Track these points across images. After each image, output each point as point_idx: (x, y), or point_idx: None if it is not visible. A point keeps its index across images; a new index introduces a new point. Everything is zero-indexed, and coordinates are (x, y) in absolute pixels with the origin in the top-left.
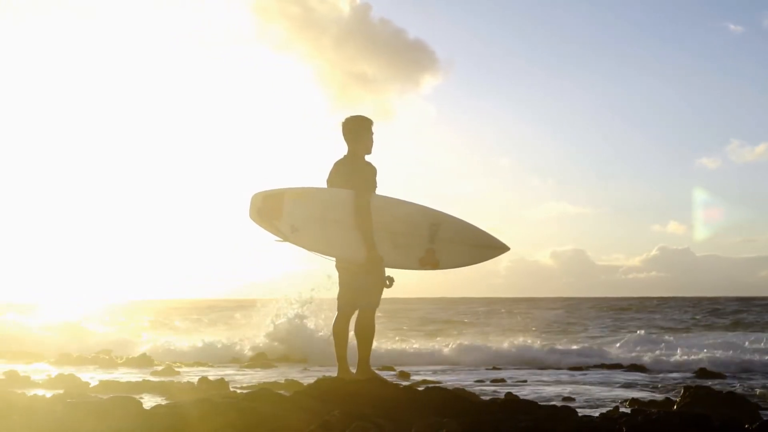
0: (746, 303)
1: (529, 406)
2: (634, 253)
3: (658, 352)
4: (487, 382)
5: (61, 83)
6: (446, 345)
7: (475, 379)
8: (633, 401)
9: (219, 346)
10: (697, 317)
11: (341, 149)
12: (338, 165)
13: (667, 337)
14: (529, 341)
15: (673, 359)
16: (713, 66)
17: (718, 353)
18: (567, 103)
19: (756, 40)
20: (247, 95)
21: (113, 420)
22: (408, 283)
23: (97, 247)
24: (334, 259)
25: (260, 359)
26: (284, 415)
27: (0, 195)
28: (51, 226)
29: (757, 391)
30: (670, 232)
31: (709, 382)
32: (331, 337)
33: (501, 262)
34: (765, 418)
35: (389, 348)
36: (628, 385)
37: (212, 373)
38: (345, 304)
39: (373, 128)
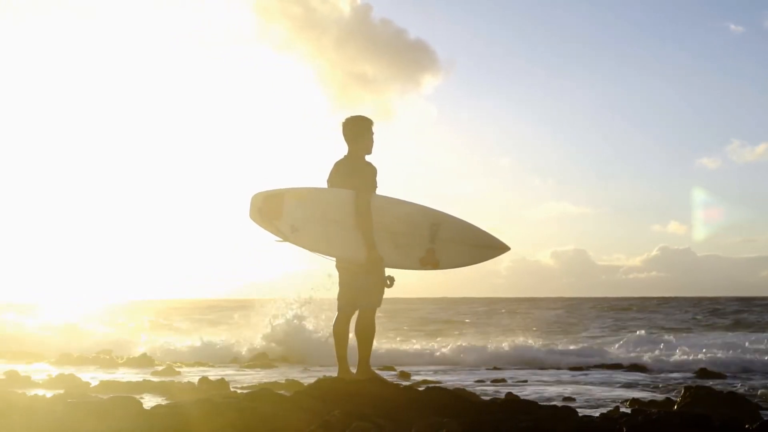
0: (747, 303)
1: (530, 406)
2: (634, 253)
3: (658, 352)
4: (488, 382)
5: (62, 83)
6: (447, 345)
7: (476, 379)
8: (633, 401)
9: (219, 346)
10: (698, 317)
11: (342, 149)
12: (338, 165)
13: (667, 337)
14: (530, 341)
15: (673, 359)
16: (714, 66)
17: (719, 353)
18: (568, 103)
19: (756, 40)
20: (247, 95)
21: (113, 420)
22: (408, 283)
23: (97, 247)
24: (334, 259)
25: (261, 359)
26: (285, 415)
27: (0, 195)
28: (51, 227)
29: (759, 391)
30: (671, 232)
31: (709, 382)
32: (331, 338)
33: (502, 262)
34: (765, 419)
35: (390, 348)
36: (628, 385)
37: (213, 373)
38: (345, 305)
39: (374, 128)
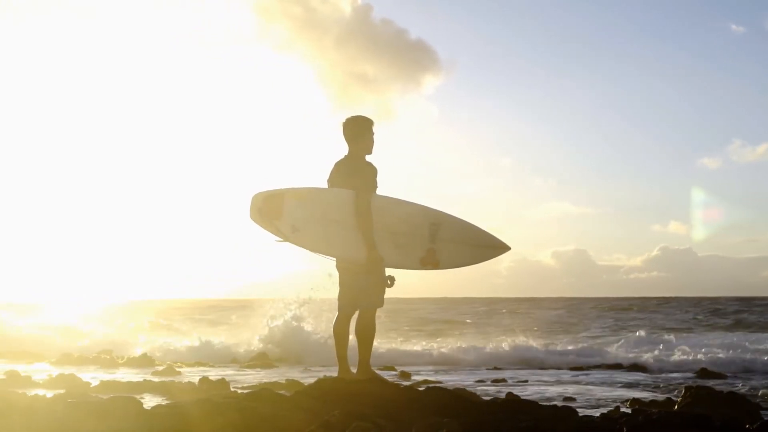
0: (748, 303)
1: (530, 406)
2: (635, 253)
3: (659, 352)
4: (488, 382)
5: (62, 83)
6: (447, 345)
7: (476, 379)
8: (634, 401)
9: (219, 346)
10: (699, 317)
11: (342, 149)
12: (339, 165)
13: (668, 337)
14: (531, 341)
15: (674, 359)
16: (715, 66)
17: (720, 353)
18: (569, 103)
19: (758, 40)
20: (247, 95)
21: (114, 420)
22: (409, 283)
23: (97, 248)
24: (334, 259)
25: (261, 359)
26: (285, 415)
27: (0, 195)
28: (51, 227)
29: (760, 391)
30: (672, 232)
31: (710, 383)
32: (330, 339)
33: (502, 262)
34: (766, 419)
35: (390, 348)
36: (629, 385)
37: (213, 373)
38: (346, 305)
39: (374, 128)
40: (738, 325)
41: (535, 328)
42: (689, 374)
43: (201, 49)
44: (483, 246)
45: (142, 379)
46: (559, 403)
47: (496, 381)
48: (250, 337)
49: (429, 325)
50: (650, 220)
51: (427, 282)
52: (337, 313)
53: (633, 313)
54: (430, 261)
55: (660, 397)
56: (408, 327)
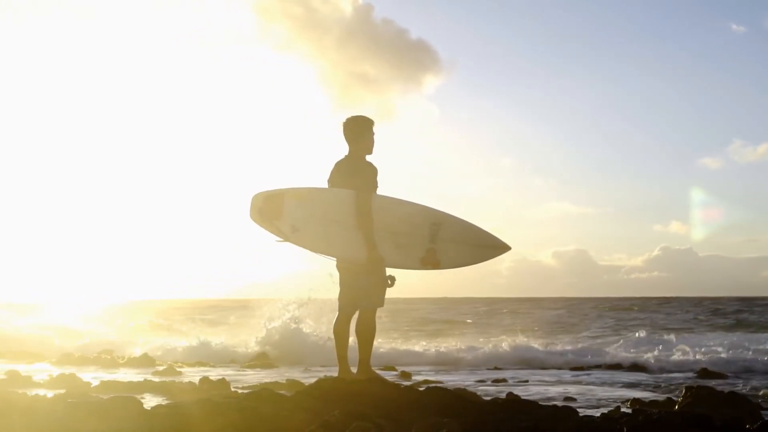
0: (748, 303)
1: (531, 406)
2: (636, 253)
3: (659, 352)
4: (489, 382)
5: (62, 83)
6: (448, 345)
7: (477, 379)
8: (634, 401)
9: (220, 346)
10: (700, 317)
11: (342, 149)
12: (339, 165)
13: (668, 337)
14: (531, 341)
15: (674, 359)
16: (716, 66)
17: (720, 353)
18: (569, 103)
19: (758, 40)
20: (248, 95)
21: (114, 420)
22: (409, 283)
23: (97, 248)
24: (335, 259)
25: (261, 359)
26: (285, 415)
27: (0, 195)
28: (51, 227)
29: (761, 392)
30: (673, 232)
31: (711, 383)
32: (330, 339)
33: (503, 262)
34: (767, 419)
35: (390, 348)
36: (629, 385)
37: (214, 374)
38: (346, 305)
39: (375, 128)
40: (739, 325)
41: (536, 328)
42: (690, 374)
43: (201, 49)
44: (483, 246)
45: (142, 379)
46: (560, 403)
47: (496, 381)
48: (248, 339)
49: (429, 325)
50: (651, 220)
51: (428, 282)
52: (337, 313)
53: (634, 313)
54: (431, 261)
55: (661, 397)
56: (408, 327)
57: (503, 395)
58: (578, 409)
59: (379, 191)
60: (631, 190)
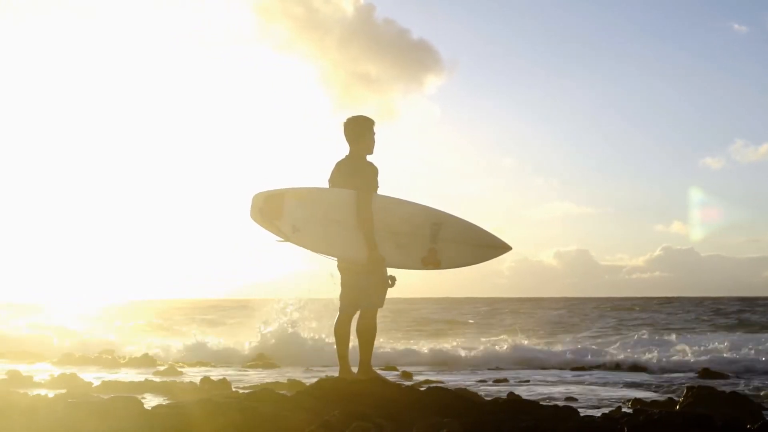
0: (750, 303)
1: (531, 405)
2: (637, 253)
3: (660, 353)
4: (490, 382)
5: (62, 83)
6: (449, 345)
7: (478, 379)
8: (635, 401)
9: (220, 346)
10: (701, 317)
11: (343, 149)
12: (340, 165)
13: (670, 337)
14: (532, 341)
15: (675, 359)
16: (717, 66)
17: (722, 353)
18: (571, 103)
19: (760, 40)
20: (249, 95)
21: (115, 420)
22: (410, 283)
23: (97, 248)
24: (335, 259)
25: (262, 359)
26: (286, 415)
27: (0, 195)
28: (52, 227)
29: (762, 392)
30: (674, 232)
31: (712, 383)
32: (330, 340)
33: (504, 262)
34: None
35: (391, 348)
36: (630, 385)
37: (214, 373)
38: (347, 305)
39: (375, 128)
40: (740, 326)
41: (537, 328)
42: (691, 374)
43: (201, 49)
44: (484, 246)
45: (143, 379)
46: (561, 403)
47: (497, 381)
48: (245, 341)
49: (431, 325)
50: (652, 220)
51: (429, 282)
52: (338, 313)
53: (635, 313)
54: (432, 261)
55: (662, 397)
56: (409, 327)
57: (504, 395)
58: (579, 409)
59: (380, 191)
60: (633, 190)
